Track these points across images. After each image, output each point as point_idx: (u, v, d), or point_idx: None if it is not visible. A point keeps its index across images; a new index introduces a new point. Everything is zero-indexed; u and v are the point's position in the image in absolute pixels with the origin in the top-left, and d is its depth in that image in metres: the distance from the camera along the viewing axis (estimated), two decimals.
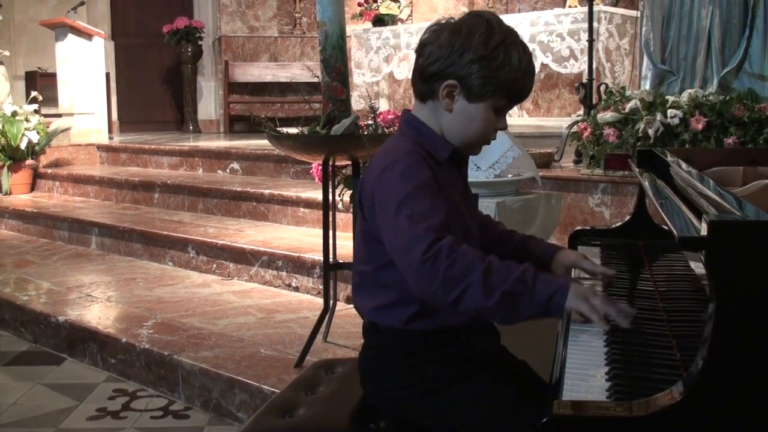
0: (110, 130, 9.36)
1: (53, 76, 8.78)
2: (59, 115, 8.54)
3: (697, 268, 1.46)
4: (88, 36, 8.48)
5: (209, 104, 11.58)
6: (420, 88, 1.78)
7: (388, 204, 1.65)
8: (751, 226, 1.16)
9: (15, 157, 7.69)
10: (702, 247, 1.15)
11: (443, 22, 1.75)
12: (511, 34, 1.72)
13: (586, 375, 1.39)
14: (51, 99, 8.76)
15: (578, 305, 1.54)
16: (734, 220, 1.17)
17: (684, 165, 1.94)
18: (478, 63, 1.67)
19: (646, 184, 2.00)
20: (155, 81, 11.62)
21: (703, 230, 1.14)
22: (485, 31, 1.68)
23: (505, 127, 1.82)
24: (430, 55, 1.72)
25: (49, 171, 7.89)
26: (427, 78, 1.74)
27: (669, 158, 2.12)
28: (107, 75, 9.29)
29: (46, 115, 8.43)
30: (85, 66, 8.43)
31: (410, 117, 1.81)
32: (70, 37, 8.33)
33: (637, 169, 2.30)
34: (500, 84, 1.70)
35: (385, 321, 1.78)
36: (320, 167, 3.47)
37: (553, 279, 1.59)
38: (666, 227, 1.47)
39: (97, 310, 4.28)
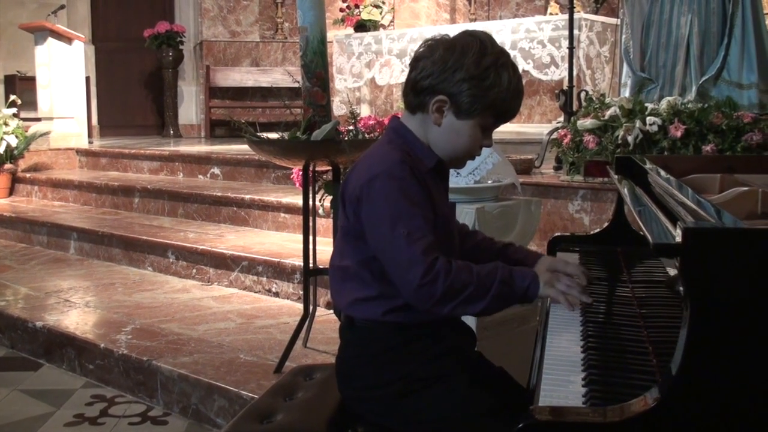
0: (90, 135, 9.31)
1: (33, 79, 8.72)
2: (38, 119, 8.49)
3: (674, 274, 1.47)
4: (68, 40, 8.44)
5: (190, 109, 11.54)
6: (411, 100, 1.82)
7: (382, 217, 1.70)
8: (725, 234, 1.17)
9: None
10: (676, 254, 1.16)
11: (438, 38, 1.80)
12: (503, 56, 1.76)
13: (562, 381, 1.39)
14: (30, 103, 8.69)
15: (548, 291, 1.73)
16: (708, 228, 1.17)
17: (662, 172, 1.96)
18: (468, 82, 1.72)
19: (624, 191, 2.01)
20: (136, 85, 11.57)
21: (678, 237, 1.14)
22: (478, 51, 1.73)
23: (490, 145, 1.86)
24: (423, 70, 1.77)
25: (28, 175, 7.82)
26: (418, 91, 1.79)
27: (647, 165, 2.13)
28: (87, 79, 9.25)
29: (25, 119, 8.36)
30: (65, 70, 8.39)
31: (398, 124, 1.85)
32: (50, 40, 8.29)
33: (615, 176, 2.31)
34: (489, 103, 1.75)
35: (363, 314, 1.81)
36: (301, 172, 3.46)
37: (524, 272, 1.73)
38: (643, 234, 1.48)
39: (76, 316, 4.25)
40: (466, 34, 1.78)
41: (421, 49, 1.80)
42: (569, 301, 1.70)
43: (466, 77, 1.72)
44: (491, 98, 1.74)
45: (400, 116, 1.89)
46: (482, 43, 1.75)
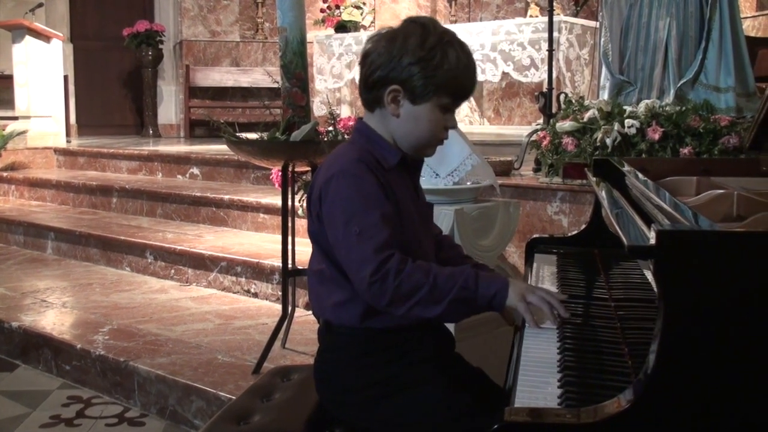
0: (68, 134, 9.24)
1: (10, 78, 8.65)
2: (16, 118, 8.41)
3: (651, 276, 1.48)
4: (47, 38, 8.37)
5: (170, 108, 11.49)
6: (366, 98, 1.83)
7: (336, 217, 1.71)
8: (699, 236, 1.18)
9: None
10: (650, 256, 1.17)
11: (381, 31, 1.81)
12: (447, 34, 1.77)
13: (539, 382, 1.40)
14: (7, 101, 8.62)
15: (516, 303, 1.68)
16: (682, 230, 1.18)
17: (640, 175, 1.97)
18: (417, 65, 1.73)
19: (602, 194, 2.02)
20: (115, 84, 11.50)
21: (652, 239, 1.15)
22: (421, 34, 1.74)
23: (455, 126, 1.86)
24: (371, 64, 1.78)
25: (5, 174, 7.75)
26: (371, 86, 1.80)
27: (625, 168, 2.14)
28: (66, 78, 9.18)
29: (2, 118, 8.31)
30: (42, 68, 8.33)
31: (361, 125, 1.86)
32: (28, 39, 8.22)
33: (593, 179, 2.33)
34: (441, 83, 1.75)
35: (341, 319, 1.80)
36: (280, 173, 3.46)
37: (494, 279, 1.70)
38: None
39: (52, 316, 4.22)
40: (407, 22, 1.80)
41: (366, 46, 1.81)
42: (534, 320, 1.66)
43: (414, 60, 1.73)
44: (442, 77, 1.74)
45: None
46: (424, 25, 1.76)
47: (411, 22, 1.79)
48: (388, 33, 1.78)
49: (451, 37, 1.77)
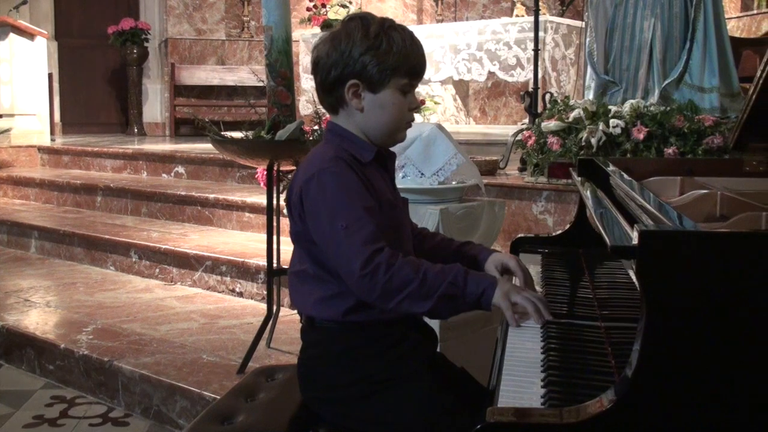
0: (52, 132, 9.19)
1: None
2: (0, 116, 8.36)
3: (634, 276, 1.48)
4: (31, 36, 8.32)
5: (155, 107, 11.44)
6: (328, 102, 1.86)
7: (321, 214, 1.73)
8: (681, 236, 1.18)
9: None
10: (632, 256, 1.17)
11: (324, 37, 1.85)
12: (386, 21, 1.83)
13: (522, 382, 1.40)
14: None
15: (500, 303, 1.69)
16: (664, 230, 1.18)
17: (624, 175, 1.97)
18: (367, 54, 1.77)
19: (586, 193, 2.02)
20: (99, 82, 11.44)
21: (635, 239, 1.15)
22: (362, 26, 1.79)
23: (417, 106, 1.92)
24: (323, 68, 1.81)
25: None
26: (329, 88, 1.83)
27: (610, 168, 2.15)
28: (50, 76, 9.13)
29: None
30: (26, 66, 8.28)
31: (333, 125, 1.88)
32: (12, 36, 8.17)
33: (578, 179, 2.33)
34: (395, 65, 1.79)
35: (324, 314, 1.81)
36: (265, 172, 3.45)
37: (483, 278, 1.72)
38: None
39: (36, 316, 4.19)
40: (345, 20, 1.85)
41: (314, 54, 1.85)
42: (515, 320, 1.67)
43: (363, 51, 1.77)
44: (394, 59, 1.78)
45: None
46: (362, 18, 1.81)
47: (349, 20, 1.84)
48: (330, 35, 1.83)
49: (390, 22, 1.83)
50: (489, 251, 1.99)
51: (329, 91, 1.83)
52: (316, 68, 1.84)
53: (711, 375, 1.15)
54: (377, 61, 1.77)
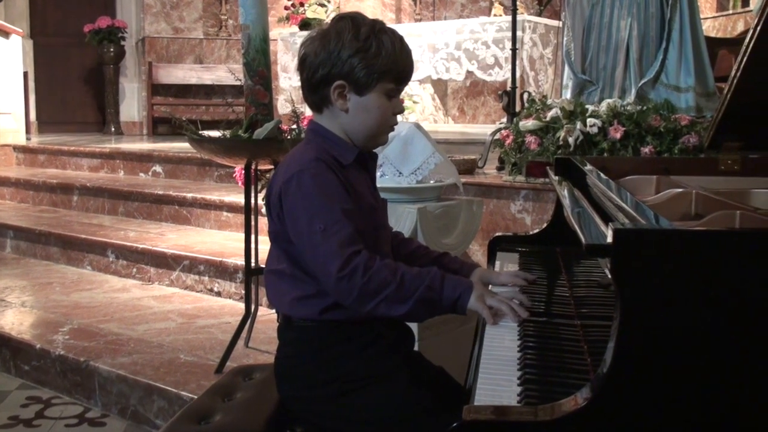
0: (28, 131, 9.10)
1: None
2: None
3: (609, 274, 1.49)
4: (5, 34, 8.24)
5: (132, 106, 11.38)
6: (312, 100, 1.85)
7: (299, 216, 1.72)
8: (655, 235, 1.18)
9: None
10: (607, 254, 1.17)
11: (313, 34, 1.83)
12: (377, 23, 1.81)
13: (499, 380, 1.40)
14: None
15: (476, 306, 1.70)
16: (638, 228, 1.19)
17: (601, 174, 1.98)
18: (356, 56, 1.76)
19: (564, 192, 2.03)
20: (76, 81, 11.36)
21: (609, 237, 1.16)
22: (353, 27, 1.78)
23: (402, 110, 1.90)
24: (311, 66, 1.80)
25: None
26: (315, 87, 1.82)
27: (586, 167, 2.16)
28: (25, 74, 9.05)
29: None
30: (1, 64, 8.20)
31: (315, 125, 1.87)
32: None
33: (555, 178, 2.34)
34: (382, 69, 1.78)
35: (300, 312, 1.81)
36: (243, 171, 3.44)
37: (459, 282, 1.72)
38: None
39: (11, 316, 4.16)
40: (336, 19, 1.84)
41: (301, 51, 1.84)
42: (493, 318, 1.68)
43: (352, 53, 1.76)
44: (382, 63, 1.77)
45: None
46: (353, 19, 1.80)
47: (340, 19, 1.82)
48: (320, 33, 1.81)
49: (381, 25, 1.81)
50: (470, 266, 2.00)
51: (314, 90, 1.82)
52: (303, 65, 1.83)
53: (685, 373, 1.16)
54: (365, 64, 1.76)
